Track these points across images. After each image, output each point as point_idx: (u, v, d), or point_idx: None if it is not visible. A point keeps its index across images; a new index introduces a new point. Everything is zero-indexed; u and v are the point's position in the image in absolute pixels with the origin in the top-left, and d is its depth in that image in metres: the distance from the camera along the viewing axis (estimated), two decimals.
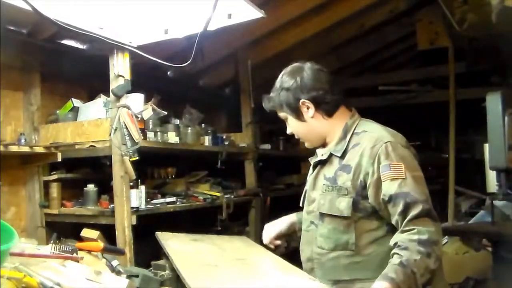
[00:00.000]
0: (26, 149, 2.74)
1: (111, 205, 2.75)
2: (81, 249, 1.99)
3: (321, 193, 1.72)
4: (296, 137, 1.85)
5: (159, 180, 3.57)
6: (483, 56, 4.61)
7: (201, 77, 4.38)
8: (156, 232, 2.14)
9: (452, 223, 4.46)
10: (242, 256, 2.00)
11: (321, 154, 1.78)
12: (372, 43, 5.13)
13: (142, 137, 2.73)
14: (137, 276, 1.96)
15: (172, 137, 3.22)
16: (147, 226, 2.51)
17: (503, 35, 2.99)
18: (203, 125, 3.79)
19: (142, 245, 2.66)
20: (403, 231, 1.52)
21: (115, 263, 2.02)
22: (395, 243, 1.52)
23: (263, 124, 4.53)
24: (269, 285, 1.68)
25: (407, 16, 4.71)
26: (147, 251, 2.52)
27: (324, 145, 1.79)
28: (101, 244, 2.06)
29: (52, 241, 2.07)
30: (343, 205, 1.63)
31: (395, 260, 1.48)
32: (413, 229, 1.50)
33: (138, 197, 2.79)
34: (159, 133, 3.11)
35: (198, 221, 3.59)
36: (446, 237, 3.76)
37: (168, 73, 4.03)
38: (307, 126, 1.76)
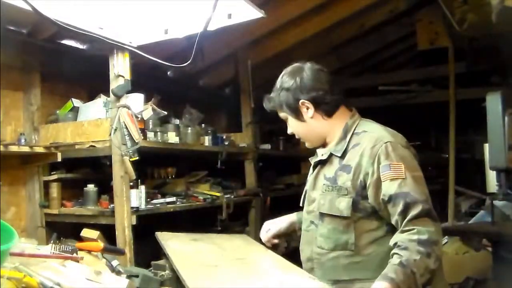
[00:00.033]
0: (26, 149, 2.75)
1: (111, 205, 2.75)
2: (81, 249, 1.99)
3: (321, 193, 1.72)
4: (296, 137, 1.86)
5: (159, 180, 3.57)
6: (483, 56, 4.61)
7: (201, 77, 4.38)
8: (156, 232, 2.14)
9: (452, 223, 4.46)
10: (242, 256, 1.99)
11: (321, 154, 1.78)
12: (372, 43, 5.12)
13: (142, 137, 2.73)
14: (137, 276, 1.96)
15: (172, 137, 3.22)
16: (147, 226, 2.51)
17: (503, 35, 2.99)
18: (203, 125, 3.79)
19: (142, 245, 2.66)
20: (403, 231, 1.52)
21: (115, 263, 2.02)
22: (395, 243, 1.52)
23: (263, 124, 4.53)
24: (269, 285, 1.68)
25: (407, 16, 4.70)
26: (147, 251, 2.52)
27: (324, 145, 1.79)
28: (101, 244, 2.06)
29: (52, 241, 2.07)
30: (343, 205, 1.63)
31: (395, 260, 1.48)
32: (413, 229, 1.50)
33: (138, 197, 2.80)
34: (159, 133, 3.11)
35: (198, 221, 3.59)
36: (446, 237, 3.76)
37: (168, 73, 4.03)
38: (307, 126, 1.76)
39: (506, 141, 2.50)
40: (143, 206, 2.86)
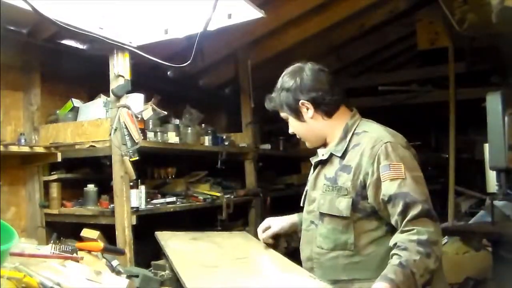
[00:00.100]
0: (26, 149, 2.75)
1: (111, 205, 2.75)
2: (81, 249, 1.98)
3: (322, 193, 1.72)
4: (297, 137, 1.86)
5: (159, 180, 3.57)
6: (483, 56, 4.62)
7: (201, 77, 4.38)
8: (156, 232, 2.14)
9: (452, 223, 4.46)
10: (242, 255, 1.99)
11: (322, 154, 1.78)
12: (372, 43, 5.13)
13: (142, 137, 2.73)
14: (137, 276, 1.96)
15: (172, 137, 3.22)
16: (147, 226, 2.50)
17: (503, 35, 2.98)
18: (203, 125, 3.79)
19: (142, 245, 2.66)
20: (402, 232, 1.52)
21: (115, 263, 2.02)
22: (395, 244, 1.52)
23: (263, 124, 4.53)
24: (268, 285, 1.68)
25: (407, 16, 4.70)
26: (147, 251, 2.51)
27: (325, 145, 1.80)
28: (101, 244, 2.06)
29: (52, 241, 2.07)
30: (343, 205, 1.63)
31: (394, 260, 1.48)
32: (413, 229, 1.50)
33: (138, 197, 2.79)
34: (159, 133, 3.11)
35: (198, 221, 3.59)
36: (446, 237, 3.77)
37: (168, 73, 4.03)
38: (307, 126, 1.76)
39: (506, 141, 2.50)
40: (143, 206, 2.86)
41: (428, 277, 1.48)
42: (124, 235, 2.61)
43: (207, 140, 3.66)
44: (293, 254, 1.89)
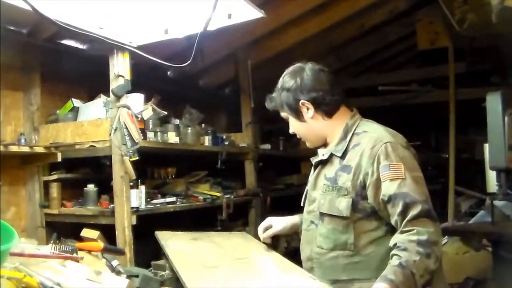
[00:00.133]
0: (26, 149, 2.75)
1: (111, 205, 2.75)
2: (81, 249, 1.99)
3: (322, 193, 1.72)
4: (298, 136, 1.86)
5: (159, 180, 3.57)
6: (483, 56, 4.61)
7: (201, 77, 4.38)
8: (156, 232, 2.14)
9: (452, 223, 4.46)
10: (242, 255, 1.99)
11: (322, 154, 1.78)
12: (372, 43, 5.13)
13: (142, 137, 2.73)
14: (137, 276, 1.96)
15: (172, 137, 3.22)
16: (147, 226, 2.50)
17: (503, 35, 2.98)
18: (203, 125, 3.79)
19: (142, 245, 2.66)
20: (402, 232, 1.52)
21: (115, 263, 2.02)
22: (395, 244, 1.52)
23: (263, 124, 4.53)
24: (268, 285, 1.68)
25: (407, 16, 4.70)
26: (147, 251, 2.52)
27: (325, 145, 1.80)
28: (101, 244, 2.06)
29: (52, 241, 2.07)
30: (343, 205, 1.63)
31: (394, 261, 1.48)
32: (413, 229, 1.50)
33: (138, 197, 2.79)
34: (159, 133, 3.11)
35: (198, 221, 3.59)
36: (446, 237, 3.77)
37: (168, 73, 4.03)
38: (307, 126, 1.76)
39: (506, 141, 2.50)
40: (143, 206, 2.86)
41: (428, 278, 1.48)
42: (124, 235, 2.61)
43: (207, 140, 3.66)
44: (293, 254, 1.89)
